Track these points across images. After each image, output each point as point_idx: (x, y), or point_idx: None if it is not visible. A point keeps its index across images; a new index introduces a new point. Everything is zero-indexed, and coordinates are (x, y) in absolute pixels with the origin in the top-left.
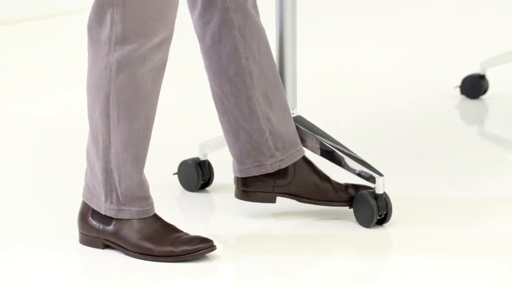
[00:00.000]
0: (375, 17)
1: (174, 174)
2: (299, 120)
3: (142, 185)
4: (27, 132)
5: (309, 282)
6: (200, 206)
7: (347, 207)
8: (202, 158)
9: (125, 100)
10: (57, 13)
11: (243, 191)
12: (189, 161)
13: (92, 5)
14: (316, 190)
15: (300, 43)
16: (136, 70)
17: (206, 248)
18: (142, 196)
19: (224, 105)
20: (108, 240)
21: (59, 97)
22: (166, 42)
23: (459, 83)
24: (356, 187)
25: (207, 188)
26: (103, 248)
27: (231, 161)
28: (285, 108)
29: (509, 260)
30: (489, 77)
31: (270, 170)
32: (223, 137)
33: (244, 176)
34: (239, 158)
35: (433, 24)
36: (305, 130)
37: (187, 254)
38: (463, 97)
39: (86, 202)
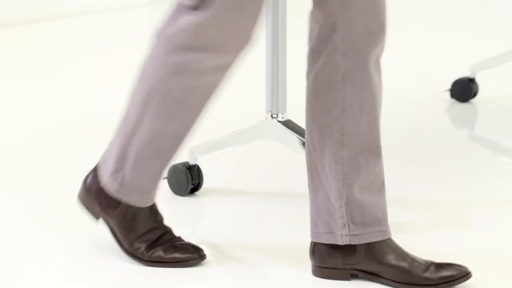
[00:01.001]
0: None
1: (164, 178)
2: (288, 124)
3: (154, 182)
4: (26, 132)
5: (300, 286)
6: (190, 210)
7: None
8: (191, 162)
9: (167, 102)
10: (58, 15)
11: (314, 266)
12: (179, 166)
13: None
14: (392, 271)
15: (290, 47)
16: (190, 81)
17: (196, 258)
18: (147, 189)
19: (311, 154)
20: (108, 222)
21: (59, 98)
22: (227, 66)
23: (449, 86)
24: (441, 266)
25: (196, 193)
26: (98, 219)
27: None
28: (378, 183)
29: (498, 262)
30: (479, 80)
31: (339, 242)
32: (213, 141)
33: (314, 240)
34: (314, 219)
35: (423, 28)
36: (294, 134)
37: (176, 262)
38: (453, 100)
39: (99, 165)
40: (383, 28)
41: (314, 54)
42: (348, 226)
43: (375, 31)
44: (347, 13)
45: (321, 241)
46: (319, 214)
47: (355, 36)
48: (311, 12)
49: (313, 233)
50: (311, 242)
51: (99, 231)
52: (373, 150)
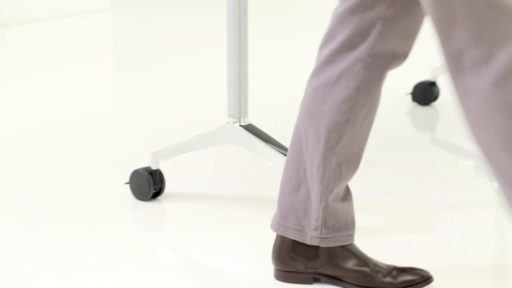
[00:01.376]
0: (325, 24)
1: (126, 183)
2: (250, 129)
3: None
4: (26, 132)
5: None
6: (152, 215)
7: None
8: (153, 167)
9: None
10: (58, 15)
11: (277, 270)
12: (141, 171)
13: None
14: (354, 275)
15: (252, 51)
16: None
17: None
18: None
19: (301, 152)
20: None
21: (59, 98)
22: None
23: (410, 90)
24: (403, 270)
25: (159, 197)
26: None
27: (273, 214)
28: (346, 189)
29: (460, 266)
30: (440, 84)
31: (308, 241)
32: (175, 146)
33: (280, 233)
34: (285, 212)
35: None
36: (256, 138)
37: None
38: (414, 104)
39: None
40: (407, 53)
41: (334, 56)
42: (321, 230)
43: (400, 55)
44: (386, 28)
45: (287, 236)
46: (294, 210)
47: (383, 54)
48: (344, 12)
49: (280, 225)
50: (276, 238)
51: (99, 231)
52: (355, 160)
